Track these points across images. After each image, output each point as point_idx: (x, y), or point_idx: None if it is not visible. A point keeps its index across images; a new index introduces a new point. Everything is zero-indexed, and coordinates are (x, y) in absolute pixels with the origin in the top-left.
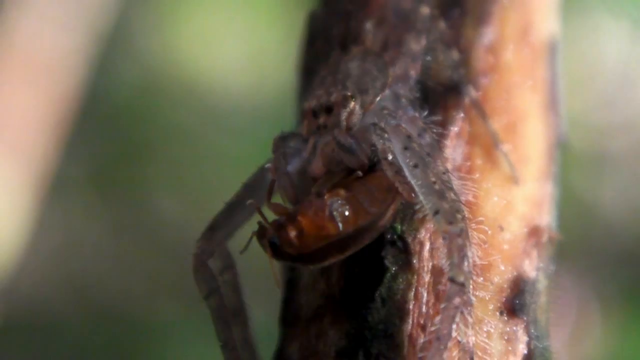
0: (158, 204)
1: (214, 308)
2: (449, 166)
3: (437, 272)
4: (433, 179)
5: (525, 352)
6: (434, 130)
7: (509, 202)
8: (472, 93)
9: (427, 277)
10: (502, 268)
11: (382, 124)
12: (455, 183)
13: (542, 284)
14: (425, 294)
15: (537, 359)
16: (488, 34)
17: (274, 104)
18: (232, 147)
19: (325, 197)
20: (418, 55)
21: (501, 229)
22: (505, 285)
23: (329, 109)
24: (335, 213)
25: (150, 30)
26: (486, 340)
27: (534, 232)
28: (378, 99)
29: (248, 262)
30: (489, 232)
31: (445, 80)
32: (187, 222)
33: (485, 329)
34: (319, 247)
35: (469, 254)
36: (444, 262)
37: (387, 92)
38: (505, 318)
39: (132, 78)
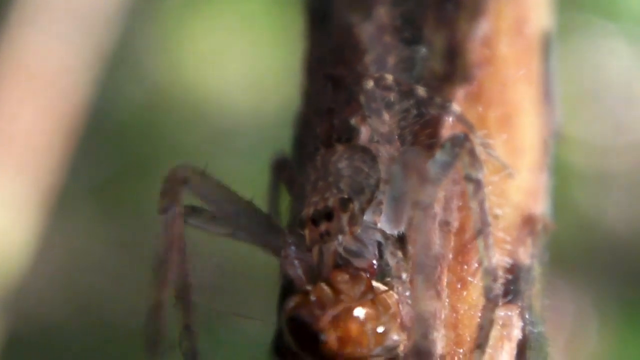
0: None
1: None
2: None
3: None
4: None
5: (520, 337)
6: None
7: (503, 191)
8: (455, 109)
9: None
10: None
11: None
12: None
13: (536, 271)
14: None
15: (532, 344)
16: (483, 27)
17: (277, 124)
18: (235, 166)
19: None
20: (392, 137)
21: (496, 217)
22: (501, 272)
23: (329, 216)
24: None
25: (155, 49)
26: None
27: (529, 220)
28: (375, 196)
29: (244, 268)
30: None
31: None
32: (189, 239)
33: (479, 315)
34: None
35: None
36: None
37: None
38: (500, 304)
39: (137, 96)
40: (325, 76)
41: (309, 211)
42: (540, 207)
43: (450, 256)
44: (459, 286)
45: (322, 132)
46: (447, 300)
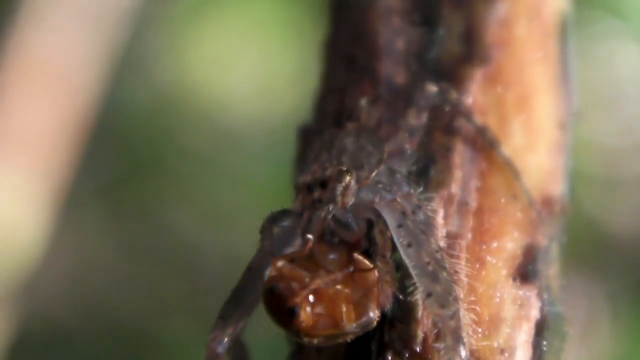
0: (171, 222)
1: None
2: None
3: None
4: (426, 259)
5: (538, 317)
6: (428, 207)
7: (521, 171)
8: (476, 123)
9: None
10: (516, 235)
11: (377, 199)
12: (448, 263)
13: (554, 252)
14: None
15: (549, 324)
16: (501, 9)
17: (284, 128)
18: (245, 168)
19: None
20: (416, 130)
21: (515, 197)
22: (519, 252)
23: (323, 184)
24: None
25: (164, 52)
26: (499, 305)
27: (547, 201)
28: (373, 174)
29: None
30: (503, 200)
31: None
32: (199, 241)
33: (497, 294)
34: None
35: (463, 334)
36: (438, 345)
37: (382, 167)
38: (518, 284)
39: (146, 97)
40: (340, 56)
41: (305, 178)
42: (559, 188)
43: (469, 236)
44: (477, 266)
45: (332, 110)
46: (466, 280)
